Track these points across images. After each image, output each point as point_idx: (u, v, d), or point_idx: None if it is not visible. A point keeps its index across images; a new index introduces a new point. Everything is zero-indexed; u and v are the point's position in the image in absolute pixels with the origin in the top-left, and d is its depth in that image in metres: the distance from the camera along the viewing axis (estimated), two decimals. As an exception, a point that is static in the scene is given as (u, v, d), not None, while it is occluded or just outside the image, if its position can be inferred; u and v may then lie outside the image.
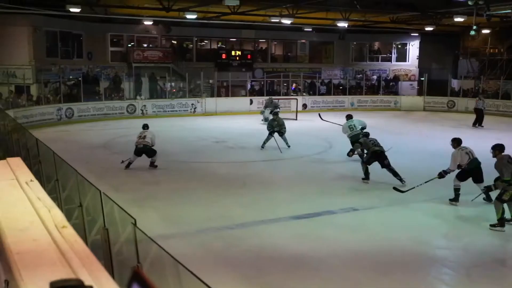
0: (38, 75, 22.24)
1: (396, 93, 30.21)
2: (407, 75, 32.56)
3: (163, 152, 15.02)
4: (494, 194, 8.67)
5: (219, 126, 20.95)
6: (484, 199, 9.39)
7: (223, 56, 29.29)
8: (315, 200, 9.66)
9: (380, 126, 20.89)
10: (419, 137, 18.16)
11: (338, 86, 30.52)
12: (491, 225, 7.97)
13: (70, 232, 1.96)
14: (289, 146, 15.13)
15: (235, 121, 22.37)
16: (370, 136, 11.87)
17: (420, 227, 8.24)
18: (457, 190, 9.47)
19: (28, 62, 22.39)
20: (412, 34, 31.54)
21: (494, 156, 8.61)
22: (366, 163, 11.37)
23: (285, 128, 15.30)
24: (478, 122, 21.75)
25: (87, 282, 1.36)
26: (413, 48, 32.63)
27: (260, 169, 12.82)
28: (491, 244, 7.45)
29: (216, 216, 8.69)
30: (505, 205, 8.03)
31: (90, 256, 1.69)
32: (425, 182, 9.78)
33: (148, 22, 25.63)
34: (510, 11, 22.10)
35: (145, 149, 12.31)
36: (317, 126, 20.23)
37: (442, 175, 9.77)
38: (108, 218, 4.49)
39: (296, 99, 25.19)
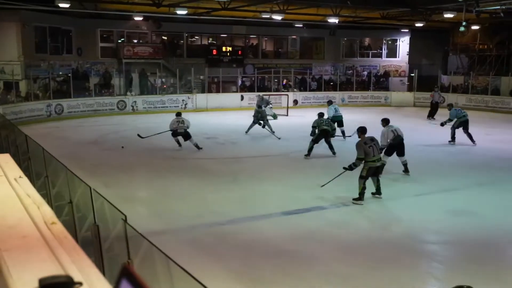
0: (27, 71, 22.06)
1: (386, 89, 30.34)
2: (397, 71, 32.69)
3: (154, 148, 15.00)
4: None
5: (210, 122, 20.92)
6: (403, 171, 11.38)
7: (214, 52, 29.21)
8: (305, 196, 9.69)
9: (371, 122, 20.94)
10: (410, 133, 18.21)
11: (328, 82, 30.59)
12: (353, 199, 9.14)
13: (59, 228, 1.96)
14: (273, 132, 16.53)
15: (226, 117, 22.35)
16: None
17: (410, 221, 8.30)
18: (382, 165, 10.50)
19: (17, 58, 22.19)
20: (402, 30, 31.65)
21: (359, 137, 9.69)
22: (314, 141, 13.17)
23: (267, 119, 17.27)
24: (431, 115, 22.45)
25: (76, 279, 1.36)
26: (403, 44, 32.75)
27: (251, 165, 12.83)
28: (481, 238, 7.52)
29: (207, 212, 8.70)
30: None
31: (80, 253, 1.69)
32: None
33: (138, 18, 25.48)
34: (499, 7, 22.23)
35: (184, 133, 14.46)
36: (307, 122, 20.25)
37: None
38: (98, 214, 4.48)
39: (287, 95, 25.23)
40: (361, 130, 9.75)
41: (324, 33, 31.76)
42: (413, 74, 29.79)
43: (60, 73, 24.36)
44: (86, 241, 4.76)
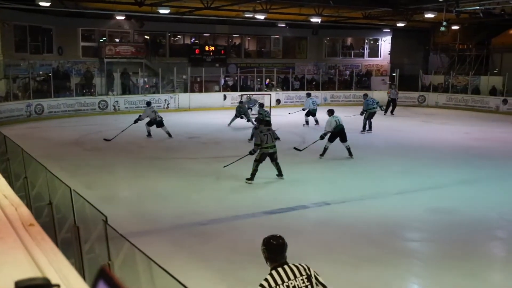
0: (6, 71, 21.71)
1: (368, 88, 30.54)
2: (379, 70, 32.95)
3: (136, 148, 14.91)
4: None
5: (193, 121, 20.87)
6: (349, 155, 13.20)
7: (197, 51, 29.11)
8: (288, 195, 9.73)
9: (353, 121, 21.13)
10: (392, 132, 18.42)
11: (311, 81, 30.71)
12: (246, 179, 10.50)
13: (37, 230, 1.94)
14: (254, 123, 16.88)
15: (208, 116, 22.30)
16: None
17: (392, 219, 8.38)
18: (325, 150, 13.19)
19: (-4, 57, 21.87)
20: (384, 30, 31.91)
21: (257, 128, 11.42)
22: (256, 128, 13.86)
23: (249, 115, 18.37)
24: (389, 110, 23.58)
25: (54, 281, 1.35)
26: (385, 44, 33.02)
27: (234, 165, 12.81)
28: (461, 236, 7.63)
29: (190, 212, 8.67)
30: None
31: (58, 254, 1.67)
32: (313, 143, 13.52)
33: (120, 17, 25.28)
34: (478, 7, 22.57)
35: (160, 121, 16.18)
36: (290, 121, 20.34)
37: (322, 137, 13.35)
38: (79, 215, 4.45)
39: (270, 94, 25.25)
40: (260, 122, 11.50)
41: (306, 32, 31.87)
42: (394, 74, 30.07)
43: (41, 72, 24.05)
44: (66, 242, 4.72)
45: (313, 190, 10.36)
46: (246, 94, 23.60)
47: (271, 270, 3.85)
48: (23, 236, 1.83)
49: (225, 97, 26.10)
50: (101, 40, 26.75)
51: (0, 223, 2.00)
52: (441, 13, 22.41)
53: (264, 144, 10.46)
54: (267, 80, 29.93)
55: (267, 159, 10.72)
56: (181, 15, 25.00)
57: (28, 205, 5.80)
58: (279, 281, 3.70)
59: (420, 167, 12.43)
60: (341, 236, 7.61)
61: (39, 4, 19.52)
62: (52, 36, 25.12)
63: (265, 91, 27.58)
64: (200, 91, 27.03)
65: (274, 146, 10.79)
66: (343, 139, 13.20)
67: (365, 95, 19.23)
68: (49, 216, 5.17)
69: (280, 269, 3.80)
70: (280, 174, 10.91)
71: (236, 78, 29.11)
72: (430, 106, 27.26)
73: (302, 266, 3.83)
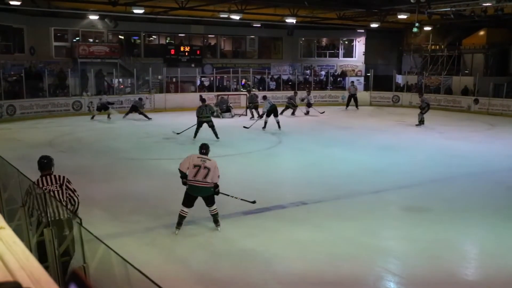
0: (-25, 71, 21.24)
1: (343, 88, 30.84)
2: (353, 70, 33.28)
3: (112, 149, 14.73)
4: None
5: (169, 122, 20.73)
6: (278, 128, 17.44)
7: (172, 51, 28.93)
8: (265, 195, 9.73)
9: (328, 121, 21.30)
10: (367, 131, 18.62)
11: (287, 81, 30.83)
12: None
13: (8, 233, 1.89)
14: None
15: (184, 117, 22.15)
16: None
17: (367, 218, 8.47)
18: (266, 123, 18.27)
19: (-35, 57, 21.34)
20: (358, 31, 32.24)
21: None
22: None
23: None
24: (350, 105, 26.32)
25: (25, 285, 1.32)
26: (359, 44, 33.36)
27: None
28: (436, 233, 7.76)
29: (166, 213, 8.60)
30: None
31: (30, 258, 1.64)
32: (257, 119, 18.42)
33: (93, 17, 24.94)
34: (449, 9, 23.01)
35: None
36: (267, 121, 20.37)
37: (262, 115, 18.39)
38: (53, 218, 4.37)
39: (246, 94, 25.23)
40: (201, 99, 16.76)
41: (282, 33, 31.99)
42: (369, 74, 30.42)
43: (12, 72, 23.56)
44: (41, 246, 4.63)
45: (290, 190, 10.41)
46: (222, 95, 23.62)
47: (39, 177, 5.93)
48: (-7, 239, 1.79)
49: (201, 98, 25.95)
50: (74, 40, 26.35)
51: (-31, 227, 1.95)
52: (413, 14, 22.78)
53: (200, 114, 16.01)
54: (243, 81, 29.93)
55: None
56: (156, 15, 24.82)
57: (1, 208, 5.67)
58: (41, 185, 5.65)
59: (395, 167, 12.60)
60: (318, 235, 7.65)
61: (9, 3, 19.13)
62: (24, 36, 24.63)
63: (241, 91, 27.57)
64: (176, 91, 26.85)
65: (209, 117, 15.98)
66: (276, 115, 18.26)
67: (264, 97, 20.03)
68: (22, 219, 5.07)
69: (43, 178, 5.92)
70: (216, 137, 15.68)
71: (212, 79, 29.03)
72: (404, 106, 27.66)
73: (59, 176, 5.99)
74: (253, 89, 28.39)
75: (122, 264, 3.36)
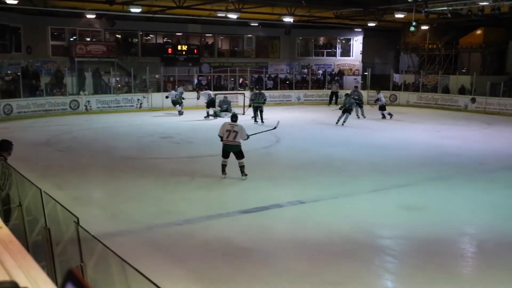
0: (-28, 70, 21.19)
1: (341, 87, 30.85)
2: (351, 69, 33.31)
3: (108, 149, 14.71)
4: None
5: (166, 121, 20.71)
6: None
7: (169, 50, 28.91)
8: (263, 194, 9.74)
9: (326, 120, 21.31)
10: (364, 130, 18.64)
11: (284, 80, 30.83)
12: None
13: (5, 232, 1.89)
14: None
15: (181, 116, 22.17)
16: None
17: (364, 217, 8.47)
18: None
19: (-39, 57, 21.28)
20: (355, 30, 32.27)
21: None
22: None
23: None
24: (331, 103, 27.62)
25: (22, 284, 1.31)
26: (357, 43, 33.40)
27: (208, 164, 12.75)
28: (433, 232, 7.76)
29: (164, 212, 8.60)
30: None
31: (27, 257, 1.64)
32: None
33: (91, 16, 24.89)
34: (446, 8, 23.04)
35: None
36: (264, 120, 20.37)
37: (250, 105, 20.31)
38: (50, 217, 4.35)
39: (243, 93, 25.23)
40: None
41: (279, 32, 31.98)
42: (366, 73, 30.44)
43: (9, 72, 23.50)
44: (37, 245, 4.62)
45: (288, 189, 10.40)
46: (225, 94, 23.65)
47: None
48: (-10, 239, 1.78)
49: (198, 97, 25.95)
50: (71, 39, 26.30)
51: (-34, 226, 1.94)
52: (410, 13, 22.81)
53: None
54: (241, 80, 29.91)
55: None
56: (153, 14, 24.78)
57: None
58: None
59: (392, 165, 12.61)
60: (316, 234, 7.65)
61: (6, 2, 19.08)
62: (21, 35, 24.58)
63: (239, 90, 27.56)
64: (173, 90, 26.78)
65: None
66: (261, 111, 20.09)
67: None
68: (19, 218, 5.05)
69: None
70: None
71: (209, 78, 29.02)
72: (402, 105, 27.69)
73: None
74: (254, 87, 28.39)
75: (120, 263, 3.35)
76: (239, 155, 10.55)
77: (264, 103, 20.26)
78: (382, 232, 8.07)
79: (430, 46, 32.54)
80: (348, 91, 22.91)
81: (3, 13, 22.56)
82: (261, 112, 19.91)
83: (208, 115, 21.80)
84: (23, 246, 1.77)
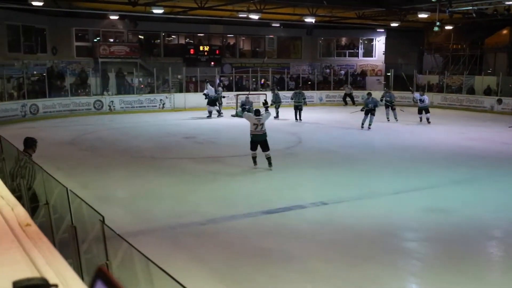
0: (0, 71, 21.59)
1: (363, 88, 30.61)
2: (373, 70, 33.02)
3: (132, 148, 14.85)
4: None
5: (188, 121, 20.82)
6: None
7: (191, 51, 29.06)
8: (285, 195, 9.70)
9: (348, 121, 21.15)
10: (388, 131, 18.44)
11: (306, 81, 30.71)
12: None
13: (34, 230, 1.90)
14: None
15: (204, 116, 22.25)
16: None
17: (389, 219, 8.36)
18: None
19: (-11, 57, 21.73)
20: (378, 30, 31.97)
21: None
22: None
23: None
24: (346, 103, 27.53)
25: (52, 281, 1.32)
26: (379, 44, 33.09)
27: (230, 164, 12.79)
28: (458, 235, 7.63)
29: (187, 212, 8.63)
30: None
31: (56, 254, 1.64)
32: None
33: (114, 17, 25.19)
34: (471, 8, 22.65)
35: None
36: (286, 121, 20.37)
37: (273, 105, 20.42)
38: (76, 215, 4.40)
39: (265, 94, 25.20)
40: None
41: (301, 32, 31.88)
42: (389, 73, 30.13)
43: (35, 72, 23.93)
44: (63, 243, 4.67)
45: (310, 190, 10.35)
46: (247, 95, 23.68)
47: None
48: (20, 236, 1.80)
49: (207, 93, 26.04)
50: (95, 40, 26.65)
51: (-4, 223, 1.97)
52: (434, 13, 22.48)
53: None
54: (262, 80, 29.91)
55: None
56: (175, 15, 24.94)
57: (25, 206, 5.75)
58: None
59: (416, 167, 12.44)
60: (338, 235, 7.59)
61: (32, 4, 19.42)
62: (46, 36, 25.00)
63: (260, 90, 27.56)
64: (196, 91, 26.95)
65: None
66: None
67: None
68: (46, 216, 5.12)
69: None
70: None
71: (231, 78, 29.08)
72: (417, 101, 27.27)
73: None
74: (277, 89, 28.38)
75: (144, 262, 3.36)
76: (266, 146, 11.68)
77: (304, 102, 21.20)
78: (406, 234, 7.96)
79: (454, 46, 32.05)
80: (371, 91, 22.43)
81: (29, 14, 22.98)
82: (300, 111, 20.77)
83: (210, 115, 21.93)
84: (51, 244, 1.78)
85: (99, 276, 1.17)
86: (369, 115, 18.60)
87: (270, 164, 11.70)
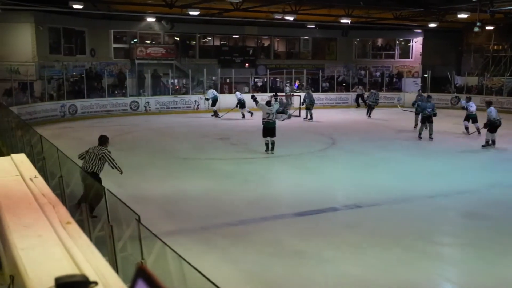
0: (41, 72, 22.27)
1: (399, 89, 30.14)
2: (410, 71, 32.47)
3: (166, 149, 15.06)
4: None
5: (223, 123, 20.96)
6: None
7: (226, 52, 29.24)
8: (318, 197, 9.66)
9: (384, 123, 20.89)
10: (423, 134, 18.07)
11: (341, 82, 30.47)
12: None
13: (74, 228, 1.97)
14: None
15: (238, 117, 22.36)
16: None
17: (423, 223, 8.23)
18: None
19: (32, 59, 22.42)
20: (415, 31, 31.42)
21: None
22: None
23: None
24: (359, 105, 27.21)
25: (92, 278, 1.37)
26: (417, 45, 32.51)
27: (263, 166, 12.83)
28: (497, 242, 7.43)
29: (220, 212, 8.70)
30: None
31: (95, 252, 1.70)
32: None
33: (151, 19, 25.61)
34: (513, 7, 22.01)
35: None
36: (320, 123, 20.26)
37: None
38: (112, 214, 4.50)
39: (299, 95, 25.12)
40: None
41: (336, 33, 31.64)
42: (426, 75, 29.55)
43: (74, 73, 24.56)
44: (99, 241, 4.79)
45: (344, 192, 10.27)
46: (281, 96, 23.71)
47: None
48: (61, 233, 1.87)
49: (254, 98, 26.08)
50: (132, 42, 27.15)
51: (39, 221, 2.04)
52: (474, 13, 21.92)
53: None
54: (297, 82, 29.83)
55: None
56: (211, 17, 25.16)
57: (64, 203, 5.92)
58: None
59: (451, 170, 12.18)
60: (372, 239, 7.51)
61: (72, 7, 19.95)
62: (85, 38, 25.63)
63: (295, 92, 27.48)
64: (230, 92, 27.08)
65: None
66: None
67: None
68: (84, 214, 5.26)
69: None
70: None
71: (265, 79, 29.12)
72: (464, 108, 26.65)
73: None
74: (311, 88, 28.16)
75: (178, 260, 3.42)
76: (274, 133, 13.72)
77: (376, 102, 23.31)
78: (441, 239, 7.81)
79: (495, 47, 31.17)
80: (431, 94, 21.02)
81: (70, 17, 23.61)
82: (372, 109, 22.72)
83: (215, 114, 22.76)
84: (90, 241, 1.84)
85: (140, 274, 1.20)
86: (426, 123, 16.39)
87: (273, 149, 13.65)
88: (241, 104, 22.34)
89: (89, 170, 8.09)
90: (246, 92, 27.17)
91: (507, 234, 7.75)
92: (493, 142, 14.99)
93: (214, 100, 22.96)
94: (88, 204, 5.39)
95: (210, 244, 7.27)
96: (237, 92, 23.48)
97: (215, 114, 22.86)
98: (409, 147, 15.53)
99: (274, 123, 13.86)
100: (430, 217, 8.58)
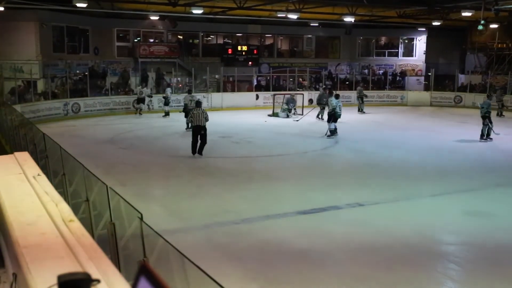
0: (45, 70, 22.32)
1: (402, 88, 30.08)
2: (413, 70, 32.40)
3: (169, 147, 15.08)
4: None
5: (225, 121, 20.96)
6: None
7: (229, 51, 29.24)
8: (321, 196, 9.66)
9: (386, 122, 20.85)
10: (427, 133, 18.07)
11: (344, 81, 30.41)
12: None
13: (77, 226, 1.98)
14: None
15: (241, 116, 22.36)
16: None
17: (425, 222, 8.22)
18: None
19: (35, 57, 22.46)
20: (419, 29, 31.35)
21: None
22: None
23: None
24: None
25: (94, 276, 1.37)
26: (420, 43, 32.43)
27: (266, 164, 12.83)
28: (499, 240, 7.42)
29: (222, 210, 8.71)
30: None
31: (97, 250, 1.71)
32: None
33: (154, 17, 25.62)
34: (518, 5, 21.92)
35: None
36: (324, 121, 20.20)
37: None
38: (114, 212, 4.51)
39: (302, 94, 25.12)
40: None
41: (339, 32, 31.60)
42: (430, 73, 29.49)
43: (77, 71, 24.59)
44: (102, 239, 4.80)
45: (346, 191, 10.26)
46: (291, 94, 23.69)
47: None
48: (64, 232, 1.87)
49: (257, 97, 26.12)
50: (135, 40, 27.17)
51: (42, 219, 2.05)
52: (478, 11, 21.84)
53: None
54: (300, 80, 29.81)
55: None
56: (214, 15, 25.16)
57: (66, 202, 5.93)
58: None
59: (455, 169, 12.16)
60: (374, 237, 7.50)
61: (76, 5, 19.98)
62: (89, 37, 25.66)
63: (298, 90, 27.47)
64: (233, 90, 27.11)
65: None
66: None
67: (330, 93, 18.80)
68: (86, 212, 5.27)
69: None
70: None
71: (268, 78, 29.11)
72: (467, 107, 26.60)
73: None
74: (320, 86, 27.98)
75: (180, 259, 3.43)
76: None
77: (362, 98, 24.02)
78: (445, 238, 7.80)
79: (499, 45, 31.06)
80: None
81: (73, 16, 23.64)
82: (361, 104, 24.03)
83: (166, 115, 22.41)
84: (93, 240, 1.84)
85: (143, 272, 1.20)
86: (485, 125, 15.76)
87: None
88: (166, 101, 22.47)
89: (202, 124, 12.66)
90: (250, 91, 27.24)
91: (509, 232, 7.73)
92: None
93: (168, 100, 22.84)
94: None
95: (213, 242, 7.28)
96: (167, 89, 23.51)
97: (167, 114, 22.47)
98: (412, 146, 15.49)
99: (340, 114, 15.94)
100: (433, 215, 8.57)
